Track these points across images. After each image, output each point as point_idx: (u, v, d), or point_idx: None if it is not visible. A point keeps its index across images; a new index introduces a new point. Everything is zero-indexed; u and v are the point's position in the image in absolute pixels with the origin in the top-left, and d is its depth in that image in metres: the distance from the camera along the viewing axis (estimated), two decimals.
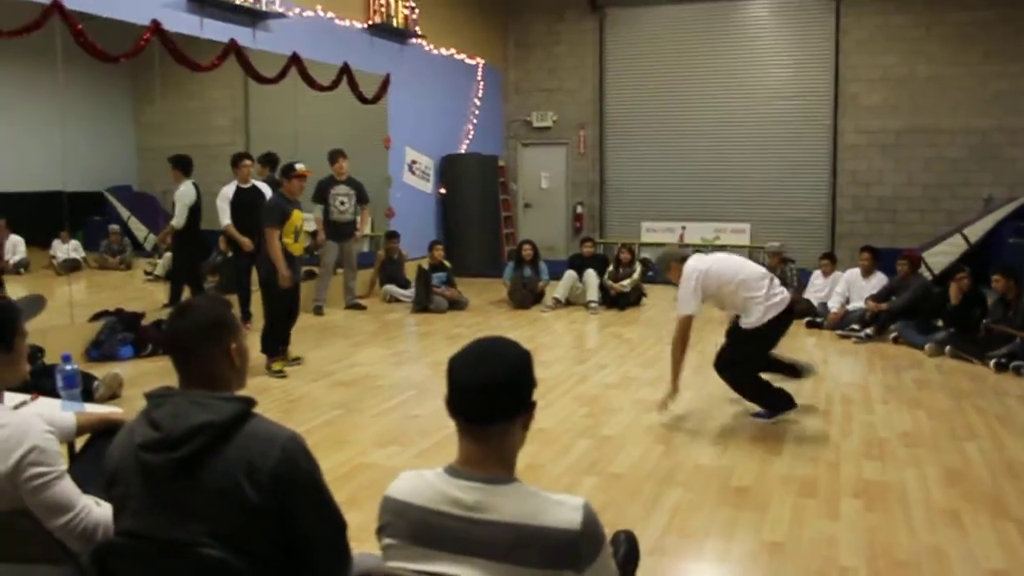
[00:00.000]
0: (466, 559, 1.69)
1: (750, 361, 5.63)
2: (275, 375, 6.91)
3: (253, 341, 8.10)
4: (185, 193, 8.18)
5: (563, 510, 1.70)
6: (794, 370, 5.95)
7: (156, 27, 7.97)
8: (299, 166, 6.94)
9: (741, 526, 3.94)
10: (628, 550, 2.48)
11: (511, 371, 1.79)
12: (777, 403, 5.63)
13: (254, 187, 8.45)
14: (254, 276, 7.81)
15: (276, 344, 7.06)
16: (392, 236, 11.08)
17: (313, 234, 9.20)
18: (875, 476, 4.62)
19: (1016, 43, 12.28)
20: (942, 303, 8.26)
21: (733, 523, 3.98)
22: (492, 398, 1.75)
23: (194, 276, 8.54)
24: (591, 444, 5.17)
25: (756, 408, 5.71)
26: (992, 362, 7.19)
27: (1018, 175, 12.32)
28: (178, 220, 8.17)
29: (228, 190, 8.44)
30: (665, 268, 5.76)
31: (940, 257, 11.04)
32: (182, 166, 8.29)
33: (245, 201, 8.31)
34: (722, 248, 13.61)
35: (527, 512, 1.69)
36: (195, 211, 8.23)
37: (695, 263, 5.55)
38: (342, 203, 9.65)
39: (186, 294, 8.22)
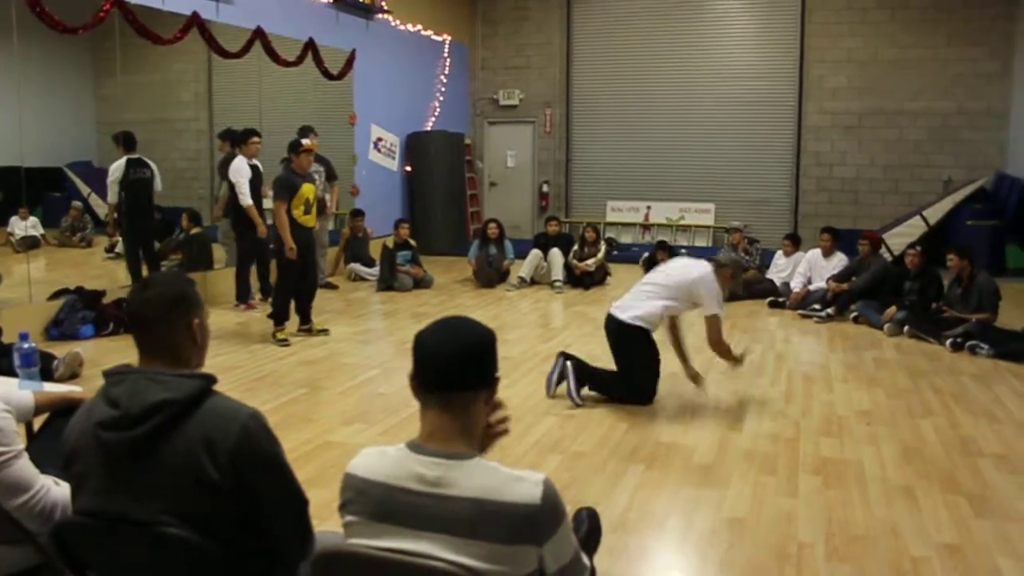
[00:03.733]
0: (428, 535, 1.70)
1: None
2: (280, 343, 7.16)
3: (247, 316, 8.14)
4: (115, 168, 8.15)
5: (523, 485, 1.71)
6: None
7: None
8: (306, 140, 7.30)
9: (703, 503, 4.00)
10: (591, 527, 2.51)
11: (478, 342, 1.83)
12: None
13: (255, 165, 8.47)
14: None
15: (283, 313, 7.30)
16: (357, 214, 11.03)
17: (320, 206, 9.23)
18: (833, 453, 4.70)
19: (977, 27, 12.44)
20: (901, 283, 8.39)
21: (695, 500, 4.03)
22: (460, 364, 1.79)
23: (149, 251, 8.46)
24: (555, 423, 5.20)
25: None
26: (948, 342, 7.32)
27: (977, 158, 12.52)
28: (111, 196, 8.14)
29: (242, 166, 8.32)
30: (724, 271, 5.61)
31: (900, 238, 11.20)
32: (123, 141, 8.20)
33: (256, 178, 8.38)
34: (686, 228, 13.77)
35: (488, 487, 1.71)
36: (129, 186, 8.15)
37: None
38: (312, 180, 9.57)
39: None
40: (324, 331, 7.60)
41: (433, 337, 1.82)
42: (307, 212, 7.24)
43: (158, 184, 8.48)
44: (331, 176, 9.92)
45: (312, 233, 7.43)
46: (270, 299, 8.22)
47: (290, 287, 7.31)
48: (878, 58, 12.95)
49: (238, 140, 8.54)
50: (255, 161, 8.50)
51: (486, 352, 1.84)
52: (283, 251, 7.12)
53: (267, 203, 8.09)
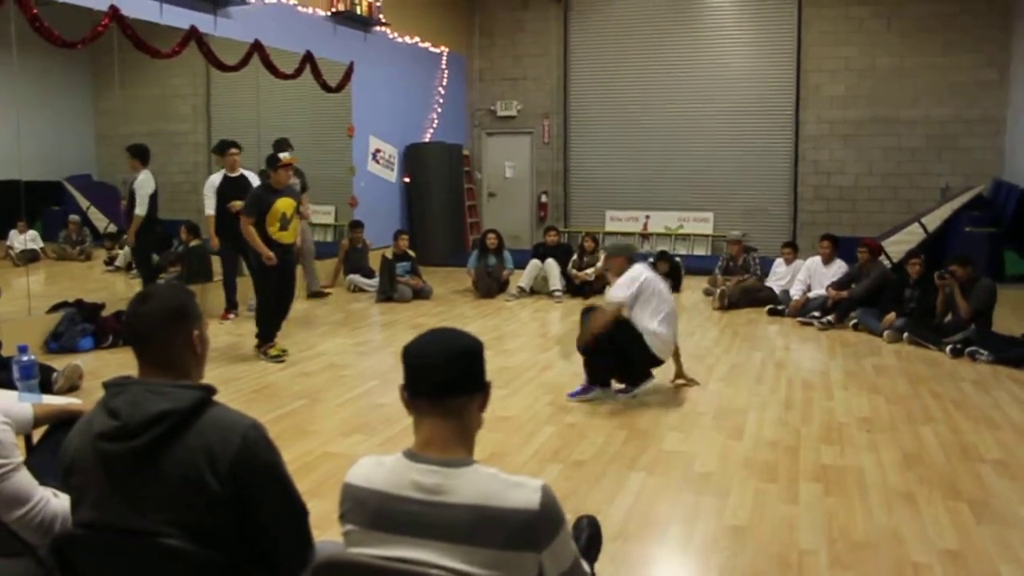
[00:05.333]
0: (427, 542, 1.71)
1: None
2: (272, 359, 7.03)
3: (241, 329, 8.12)
4: (145, 182, 8.07)
5: (522, 491, 1.72)
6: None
7: (115, 13, 7.85)
8: (283, 155, 7.08)
9: (703, 511, 3.99)
10: (591, 535, 2.50)
11: (467, 347, 1.87)
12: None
13: (242, 176, 8.39)
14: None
15: (269, 330, 7.17)
16: (356, 225, 11.03)
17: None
18: (834, 460, 4.69)
19: (973, 35, 12.49)
20: (901, 290, 8.39)
21: (695, 508, 4.03)
22: (454, 367, 1.82)
23: (147, 265, 8.45)
24: (555, 431, 5.20)
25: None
26: (948, 348, 7.33)
27: (974, 165, 12.54)
28: (141, 209, 8.06)
29: (215, 179, 8.38)
30: (615, 261, 6.06)
31: (899, 246, 11.20)
32: (140, 155, 8.16)
33: (232, 190, 8.26)
34: (685, 237, 13.80)
35: (486, 494, 1.71)
36: (154, 200, 8.14)
37: (641, 269, 5.96)
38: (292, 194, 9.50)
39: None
40: (283, 352, 7.19)
41: (422, 347, 1.86)
42: (283, 228, 7.02)
43: None
44: (303, 187, 9.70)
45: (291, 249, 7.25)
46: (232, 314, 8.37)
47: (270, 304, 7.15)
48: (875, 67, 12.99)
49: (220, 151, 8.46)
50: (245, 171, 8.44)
51: (475, 356, 1.87)
52: (261, 269, 6.97)
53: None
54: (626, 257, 6.06)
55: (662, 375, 6.27)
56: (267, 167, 7.16)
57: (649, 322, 5.80)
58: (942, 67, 12.68)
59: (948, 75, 12.66)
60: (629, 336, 5.75)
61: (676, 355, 6.26)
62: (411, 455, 1.80)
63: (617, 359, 5.84)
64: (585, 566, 1.89)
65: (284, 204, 7.03)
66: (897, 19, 12.81)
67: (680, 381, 6.27)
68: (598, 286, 10.47)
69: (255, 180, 8.37)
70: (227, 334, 8.09)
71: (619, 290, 5.83)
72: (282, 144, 8.90)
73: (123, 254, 9.16)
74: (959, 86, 12.63)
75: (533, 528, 1.69)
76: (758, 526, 3.81)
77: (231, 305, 8.72)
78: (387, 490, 1.76)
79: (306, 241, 9.91)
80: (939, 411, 5.67)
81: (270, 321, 7.19)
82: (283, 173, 7.03)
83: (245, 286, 8.59)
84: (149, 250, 8.43)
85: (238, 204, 8.08)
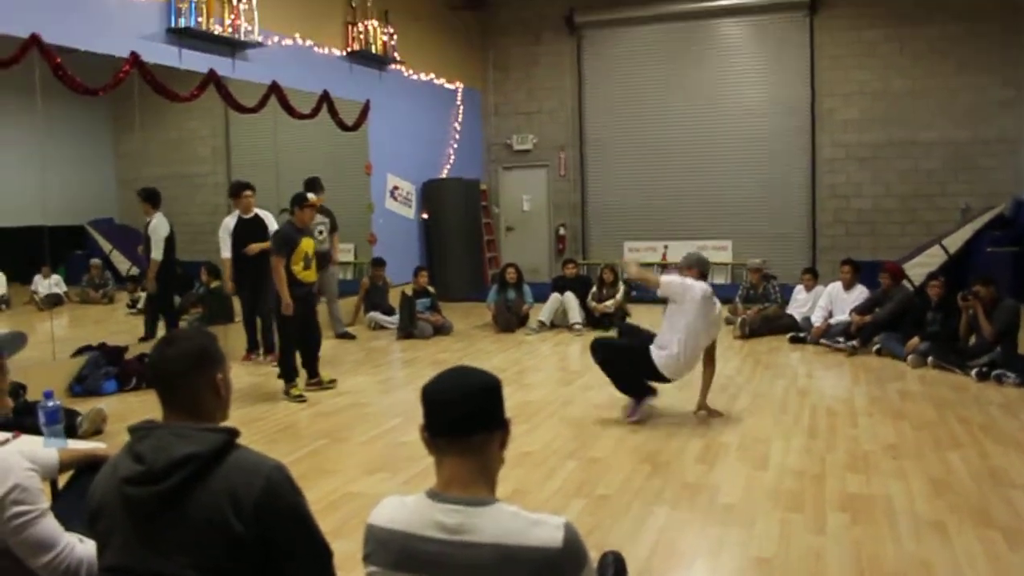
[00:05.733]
0: None
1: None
2: (295, 400, 7.05)
3: (263, 369, 8.16)
4: (160, 225, 8.14)
5: (545, 529, 1.71)
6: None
7: (135, 59, 7.99)
8: (311, 196, 7.30)
9: (729, 543, 3.95)
10: (616, 571, 2.48)
11: (485, 384, 1.88)
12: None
13: (256, 216, 8.45)
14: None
15: (291, 370, 7.19)
16: (378, 263, 11.05)
17: (326, 258, 9.33)
18: (860, 489, 4.64)
19: (987, 56, 12.48)
20: (924, 314, 8.32)
21: (721, 541, 3.99)
22: (471, 406, 1.83)
23: (169, 308, 8.52)
24: (578, 466, 5.17)
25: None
26: (974, 371, 7.25)
27: (993, 184, 12.47)
28: (157, 253, 8.12)
29: (230, 221, 8.43)
30: (686, 267, 6.27)
31: (920, 268, 11.12)
32: (151, 199, 8.24)
33: (247, 231, 8.33)
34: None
35: (509, 532, 1.71)
36: (170, 242, 8.22)
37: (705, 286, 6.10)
38: (319, 232, 9.60)
39: (162, 330, 8.19)
40: (332, 382, 7.49)
41: (441, 385, 1.87)
42: (307, 267, 7.18)
43: None
44: (334, 228, 9.84)
45: (312, 288, 7.37)
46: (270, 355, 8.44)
47: (292, 343, 7.20)
48: (889, 90, 12.99)
49: (234, 194, 8.50)
50: (259, 211, 8.48)
51: (493, 393, 1.88)
52: (280, 307, 7.07)
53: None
54: (699, 272, 6.20)
55: (685, 402, 6.25)
56: (292, 205, 7.23)
57: (670, 335, 5.95)
58: (956, 88, 12.66)
59: (963, 96, 12.64)
60: (636, 348, 6.07)
61: (704, 385, 6.25)
62: (433, 495, 1.80)
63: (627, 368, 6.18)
64: None
65: (308, 244, 7.20)
66: (910, 41, 12.83)
67: (702, 412, 6.24)
68: (618, 317, 10.44)
69: (269, 220, 8.45)
70: (249, 375, 8.12)
71: (672, 277, 6.12)
72: (314, 184, 9.02)
73: (145, 296, 9.25)
74: (975, 106, 12.60)
75: (557, 566, 1.69)
76: (784, 557, 3.77)
77: (253, 345, 8.75)
78: (410, 530, 1.77)
79: (331, 283, 9.96)
80: (966, 436, 5.60)
81: (291, 361, 7.21)
82: (308, 212, 7.18)
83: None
84: (168, 292, 8.48)
85: (255, 247, 8.18)
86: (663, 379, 6.10)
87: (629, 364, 6.16)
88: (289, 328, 7.16)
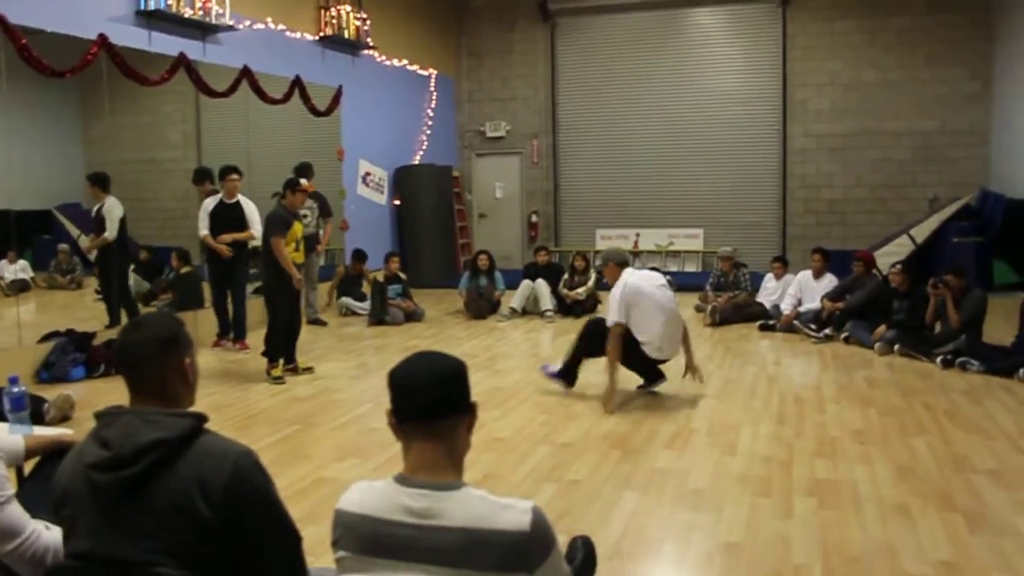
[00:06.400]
0: (418, 566, 1.71)
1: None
2: (275, 381, 7.13)
3: (235, 355, 8.12)
4: (114, 206, 8.09)
5: (512, 513, 1.73)
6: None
7: (103, 41, 7.88)
8: (304, 181, 7.55)
9: (698, 528, 3.99)
10: (585, 555, 2.51)
11: (451, 368, 1.89)
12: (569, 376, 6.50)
13: (238, 203, 8.39)
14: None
15: (276, 351, 7.28)
16: (359, 257, 10.92)
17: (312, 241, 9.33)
18: (827, 474, 4.70)
19: (956, 48, 12.63)
20: (890, 302, 8.42)
21: (690, 525, 4.03)
22: (439, 391, 1.84)
23: (126, 292, 8.48)
24: (549, 451, 5.20)
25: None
26: (939, 359, 7.35)
27: (961, 175, 12.64)
28: (111, 233, 8.08)
29: (210, 203, 8.37)
30: (604, 267, 6.45)
31: (888, 258, 11.23)
32: (100, 183, 8.17)
33: (227, 215, 8.30)
34: (676, 254, 13.84)
35: (476, 516, 1.72)
36: (123, 224, 8.17)
37: (628, 275, 6.19)
38: (305, 216, 9.56)
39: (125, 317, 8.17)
40: (309, 369, 7.53)
41: (408, 370, 1.87)
42: (296, 249, 7.35)
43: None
44: (325, 213, 9.92)
45: (299, 271, 7.43)
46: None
47: (283, 325, 7.30)
48: (860, 80, 13.11)
49: (220, 177, 8.46)
50: (241, 197, 8.41)
51: (460, 377, 1.89)
52: (272, 288, 7.21)
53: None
54: (616, 263, 6.31)
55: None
56: (285, 189, 7.30)
57: (642, 332, 6.08)
58: (926, 79, 12.81)
59: (933, 87, 12.79)
60: (629, 349, 6.12)
61: (686, 349, 6.42)
62: (402, 479, 1.80)
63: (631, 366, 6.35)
64: None
65: (299, 227, 7.41)
66: (881, 33, 12.94)
67: (690, 374, 6.42)
68: (589, 305, 10.49)
69: (251, 210, 8.40)
70: (219, 361, 8.08)
71: (611, 315, 6.12)
72: (305, 170, 9.03)
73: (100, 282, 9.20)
74: (944, 98, 12.75)
75: (524, 549, 1.70)
76: (752, 542, 3.82)
77: (224, 330, 8.69)
78: (378, 515, 1.77)
79: (313, 268, 9.92)
80: (931, 422, 5.68)
81: (278, 342, 7.28)
82: (300, 197, 7.36)
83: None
84: (120, 274, 8.44)
85: (228, 238, 8.18)
86: (654, 363, 6.34)
87: (625, 357, 6.24)
88: (279, 309, 7.23)
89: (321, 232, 9.88)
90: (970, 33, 12.54)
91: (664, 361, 6.37)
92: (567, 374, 6.51)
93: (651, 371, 6.46)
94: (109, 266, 8.35)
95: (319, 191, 9.84)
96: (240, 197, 8.43)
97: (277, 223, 7.17)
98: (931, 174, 12.87)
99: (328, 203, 9.95)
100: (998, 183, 12.01)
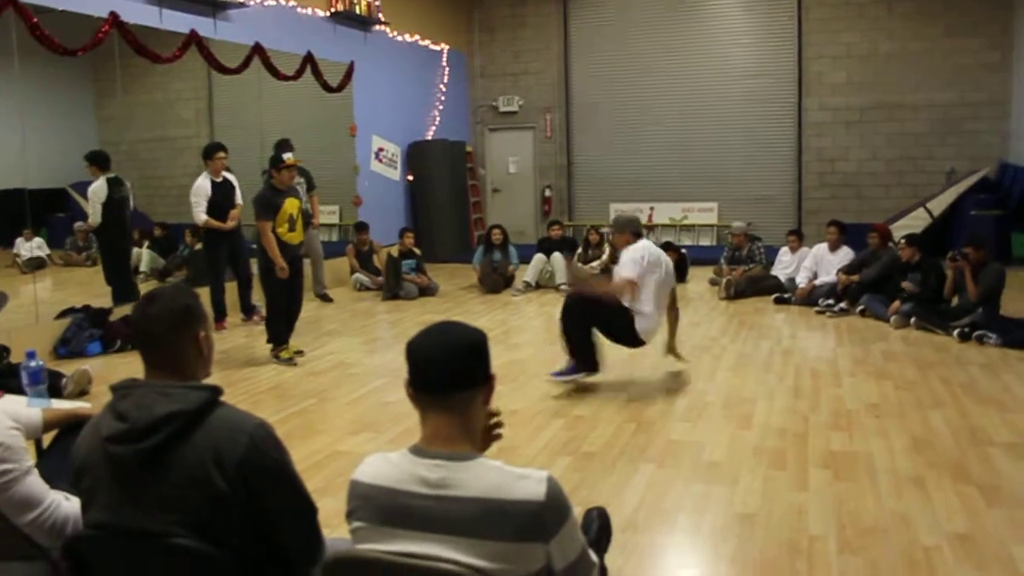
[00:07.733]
0: (434, 536, 1.71)
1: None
2: (285, 363, 6.99)
3: (251, 331, 8.14)
4: (98, 188, 7.98)
5: (527, 483, 1.73)
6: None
7: (114, 19, 7.87)
8: (287, 156, 7.02)
9: (713, 500, 4.00)
10: (601, 526, 2.52)
11: (470, 340, 1.87)
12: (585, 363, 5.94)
13: (226, 180, 8.30)
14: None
15: (280, 333, 7.12)
16: (362, 228, 10.92)
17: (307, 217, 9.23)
18: (843, 447, 4.69)
19: (975, 18, 12.43)
20: (904, 275, 8.35)
21: (705, 497, 4.03)
22: (456, 363, 1.82)
23: (123, 270, 8.48)
24: (564, 424, 5.21)
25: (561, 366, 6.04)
26: (956, 332, 7.31)
27: (979, 148, 12.49)
28: (93, 218, 8.00)
29: (204, 184, 8.16)
30: (619, 234, 6.07)
31: (904, 231, 11.16)
32: (97, 161, 8.06)
33: (222, 195, 8.19)
34: (690, 228, 13.78)
35: (491, 486, 1.72)
36: (112, 206, 8.05)
37: (647, 243, 5.99)
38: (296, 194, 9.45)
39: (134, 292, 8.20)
40: (299, 352, 7.23)
41: (426, 341, 1.86)
42: (292, 229, 7.01)
43: (131, 202, 8.49)
44: (311, 187, 9.67)
45: (298, 250, 7.22)
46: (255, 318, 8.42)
47: (281, 308, 7.10)
48: (877, 52, 12.94)
49: (207, 155, 8.29)
50: (227, 175, 8.32)
51: (479, 349, 1.87)
52: (270, 272, 6.93)
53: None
54: (632, 232, 5.98)
55: (670, 362, 6.30)
56: (271, 168, 7.09)
57: (645, 303, 5.78)
58: (945, 51, 12.63)
59: (951, 59, 12.61)
60: (618, 315, 5.77)
61: (671, 330, 6.29)
62: (417, 450, 1.81)
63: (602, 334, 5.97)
64: (593, 556, 1.89)
65: (291, 204, 7.03)
66: (898, 4, 12.76)
67: (671, 355, 6.30)
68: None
69: (235, 183, 8.32)
70: (236, 337, 8.11)
71: (628, 267, 5.73)
72: (285, 145, 8.86)
73: (146, 258, 9.25)
74: (962, 69, 12.58)
75: (540, 519, 1.70)
76: (767, 513, 3.82)
77: (221, 314, 8.45)
78: (394, 486, 1.77)
79: (315, 243, 9.89)
80: (947, 395, 5.66)
81: (280, 324, 7.15)
82: (287, 174, 6.98)
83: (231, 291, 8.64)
84: (117, 258, 8.44)
85: (236, 213, 8.12)
86: (637, 343, 5.97)
87: (607, 327, 5.92)
88: (278, 293, 7.05)
89: (309, 207, 9.67)
90: (989, 3, 12.34)
91: (640, 344, 5.97)
92: (586, 364, 5.90)
93: (594, 356, 5.93)
94: (108, 248, 8.31)
95: (303, 166, 9.63)
96: (225, 174, 8.31)
97: (263, 206, 6.87)
98: (949, 147, 12.72)
99: (312, 176, 9.71)
100: (1017, 156, 11.86)
